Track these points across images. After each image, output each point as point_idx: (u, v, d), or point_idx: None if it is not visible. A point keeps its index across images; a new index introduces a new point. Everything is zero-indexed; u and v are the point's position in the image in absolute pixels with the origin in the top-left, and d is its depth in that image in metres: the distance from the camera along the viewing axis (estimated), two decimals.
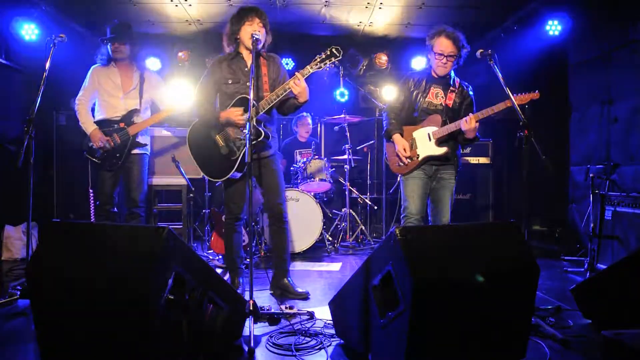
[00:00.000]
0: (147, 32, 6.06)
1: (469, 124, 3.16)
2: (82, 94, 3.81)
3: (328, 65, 3.09)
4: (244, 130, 3.09)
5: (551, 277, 4.01)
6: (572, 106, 5.21)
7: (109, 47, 3.78)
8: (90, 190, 4.13)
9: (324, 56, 3.05)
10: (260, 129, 3.15)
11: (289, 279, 3.38)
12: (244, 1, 5.02)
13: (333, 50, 3.04)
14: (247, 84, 2.76)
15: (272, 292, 3.37)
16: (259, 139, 3.15)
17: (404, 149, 3.36)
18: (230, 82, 3.24)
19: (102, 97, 3.81)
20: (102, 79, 3.80)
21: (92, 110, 3.88)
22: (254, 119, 3.09)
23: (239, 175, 3.24)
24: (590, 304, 2.76)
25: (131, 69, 3.89)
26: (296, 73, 3.04)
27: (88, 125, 3.75)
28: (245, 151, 3.10)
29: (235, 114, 3.13)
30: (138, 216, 3.90)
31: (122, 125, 3.77)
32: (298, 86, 3.02)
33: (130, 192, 3.87)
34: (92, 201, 4.42)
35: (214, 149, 3.24)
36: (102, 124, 3.77)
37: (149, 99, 3.95)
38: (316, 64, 3.06)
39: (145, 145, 3.93)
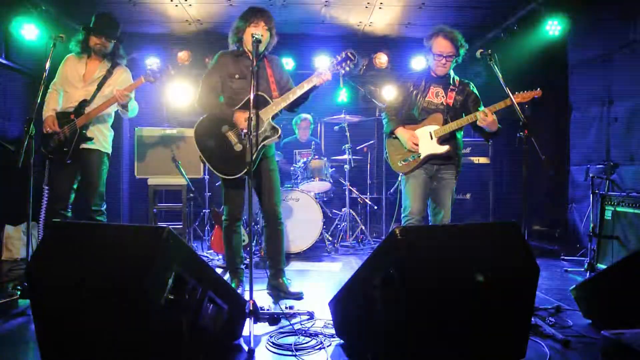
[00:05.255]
0: (147, 32, 6.06)
1: (487, 117, 3.12)
2: (54, 82, 3.65)
3: (343, 68, 3.11)
4: (258, 128, 3.10)
5: (551, 277, 4.01)
6: (572, 106, 5.20)
7: (90, 37, 3.58)
8: (45, 187, 3.73)
9: (339, 59, 3.10)
10: (277, 126, 3.17)
11: (284, 278, 3.38)
12: (245, 1, 5.01)
13: (348, 53, 3.08)
14: (253, 82, 2.78)
15: (268, 291, 3.38)
16: (277, 136, 3.16)
17: (412, 136, 3.34)
18: (236, 77, 3.24)
19: (64, 88, 3.64)
20: (69, 69, 3.63)
21: None
22: (270, 117, 3.13)
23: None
24: (590, 304, 2.76)
25: (101, 61, 3.67)
26: (320, 70, 3.09)
27: (46, 112, 3.57)
28: (258, 148, 3.11)
29: (243, 119, 3.09)
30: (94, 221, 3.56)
31: (72, 117, 3.55)
32: (323, 80, 3.09)
33: (84, 193, 3.60)
34: (44, 201, 4.06)
35: (226, 146, 3.20)
36: (58, 115, 3.56)
37: (109, 93, 3.62)
38: (333, 66, 3.10)
39: (91, 139, 3.59)
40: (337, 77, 5.89)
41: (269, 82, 3.24)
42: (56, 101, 3.64)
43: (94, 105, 3.59)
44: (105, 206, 3.68)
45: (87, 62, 3.66)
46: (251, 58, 3.22)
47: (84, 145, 3.58)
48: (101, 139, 3.68)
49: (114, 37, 3.65)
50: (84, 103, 3.58)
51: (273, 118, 3.19)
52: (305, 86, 3.11)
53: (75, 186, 3.64)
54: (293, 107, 3.29)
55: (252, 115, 2.70)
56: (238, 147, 3.19)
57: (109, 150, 3.75)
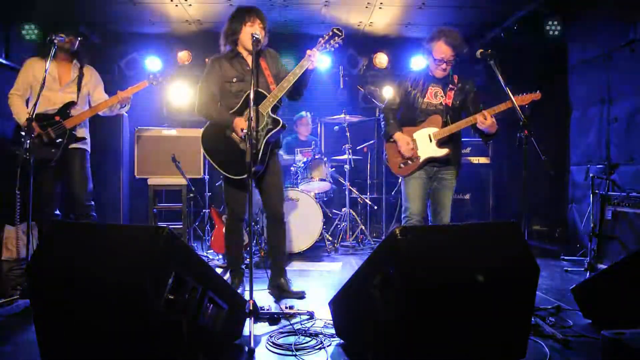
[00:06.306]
0: (147, 32, 6.06)
1: (486, 120, 3.11)
2: (16, 87, 3.56)
3: (332, 46, 3.14)
4: (254, 123, 3.09)
5: (551, 277, 4.01)
6: (572, 106, 5.21)
7: (56, 39, 3.44)
8: (17, 192, 3.56)
9: (327, 37, 3.14)
10: (278, 118, 3.16)
11: (286, 278, 3.38)
12: (245, 1, 5.01)
13: (335, 30, 3.11)
14: (253, 81, 2.78)
15: (269, 291, 3.37)
16: (280, 127, 3.14)
17: (407, 144, 3.35)
18: (234, 81, 3.23)
19: (38, 92, 3.44)
20: (37, 72, 3.56)
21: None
22: (269, 110, 3.12)
23: (262, 168, 3.22)
24: (590, 304, 2.76)
25: (70, 62, 3.67)
26: (308, 51, 3.14)
27: (22, 115, 3.44)
28: (264, 143, 3.10)
29: (240, 127, 3.09)
30: (88, 218, 3.62)
31: (57, 118, 3.53)
32: (314, 61, 3.12)
33: (72, 192, 3.59)
34: (18, 205, 3.83)
35: (232, 146, 3.20)
36: (37, 118, 3.43)
37: (87, 93, 3.72)
38: (321, 46, 3.14)
39: (84, 139, 3.67)
40: (338, 76, 5.93)
41: (265, 76, 3.24)
42: (24, 105, 3.58)
43: (79, 107, 3.62)
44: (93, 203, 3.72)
45: (57, 65, 3.62)
46: (245, 58, 3.25)
47: (72, 145, 3.59)
48: (86, 139, 3.71)
49: (78, 34, 3.63)
50: (70, 104, 3.59)
51: (273, 111, 3.18)
52: (298, 71, 3.10)
53: (56, 186, 3.63)
54: (293, 94, 3.28)
55: (251, 114, 2.70)
56: (243, 146, 3.17)
57: (89, 149, 3.78)
